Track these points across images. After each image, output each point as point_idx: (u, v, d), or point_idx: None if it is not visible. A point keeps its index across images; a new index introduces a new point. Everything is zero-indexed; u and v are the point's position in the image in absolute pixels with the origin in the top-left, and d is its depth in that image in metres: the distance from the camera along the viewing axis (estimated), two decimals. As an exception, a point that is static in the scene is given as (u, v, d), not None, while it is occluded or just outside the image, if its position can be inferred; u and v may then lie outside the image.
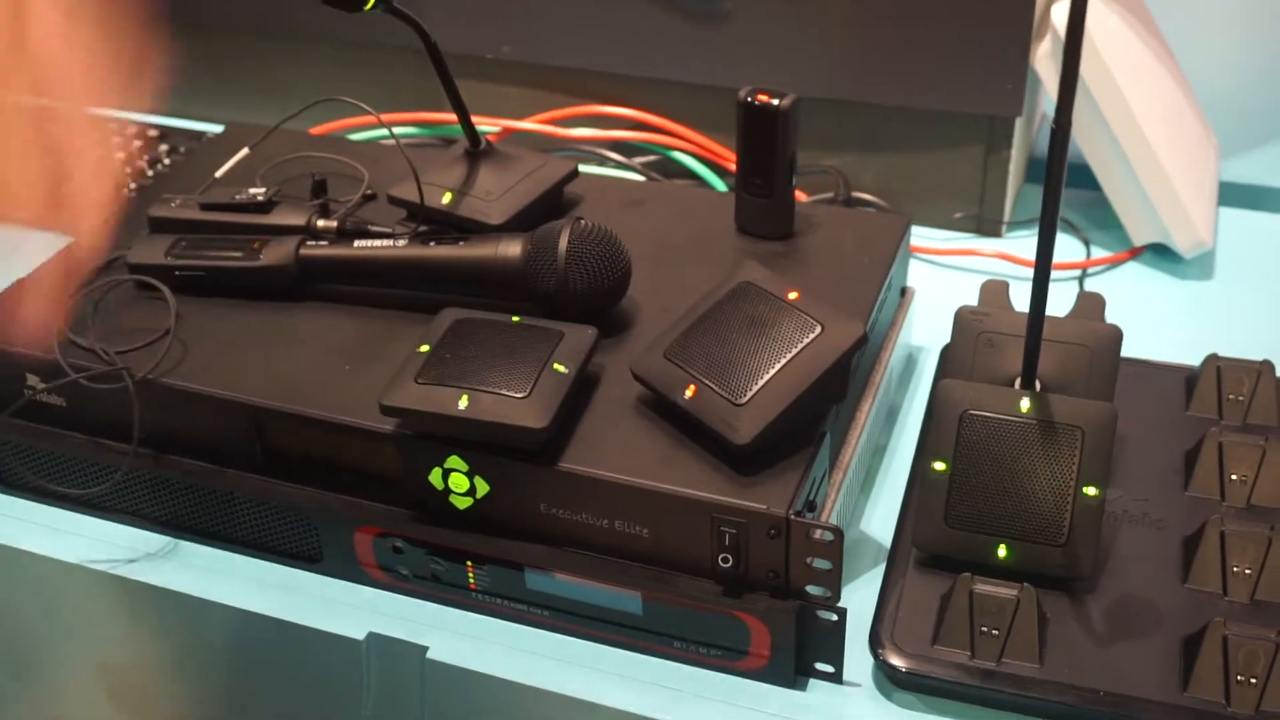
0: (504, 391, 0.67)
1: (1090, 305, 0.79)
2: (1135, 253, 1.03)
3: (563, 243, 0.74)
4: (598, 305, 0.76)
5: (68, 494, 0.79)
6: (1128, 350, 0.77)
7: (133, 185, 1.09)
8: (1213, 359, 0.82)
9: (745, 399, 0.67)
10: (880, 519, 0.79)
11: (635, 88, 1.08)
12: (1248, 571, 0.70)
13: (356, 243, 0.79)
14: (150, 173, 1.11)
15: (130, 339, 0.76)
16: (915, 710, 0.67)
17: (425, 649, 0.71)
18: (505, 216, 0.82)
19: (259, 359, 0.76)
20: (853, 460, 0.76)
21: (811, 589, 0.66)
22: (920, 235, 1.05)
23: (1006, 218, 1.06)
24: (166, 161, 1.12)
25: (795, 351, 0.69)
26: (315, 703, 0.76)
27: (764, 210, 0.84)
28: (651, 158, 1.09)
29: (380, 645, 0.72)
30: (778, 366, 0.68)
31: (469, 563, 0.71)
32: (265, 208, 0.83)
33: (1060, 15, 0.97)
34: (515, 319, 0.73)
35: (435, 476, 0.70)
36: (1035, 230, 0.66)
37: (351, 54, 1.16)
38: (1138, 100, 0.97)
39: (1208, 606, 0.69)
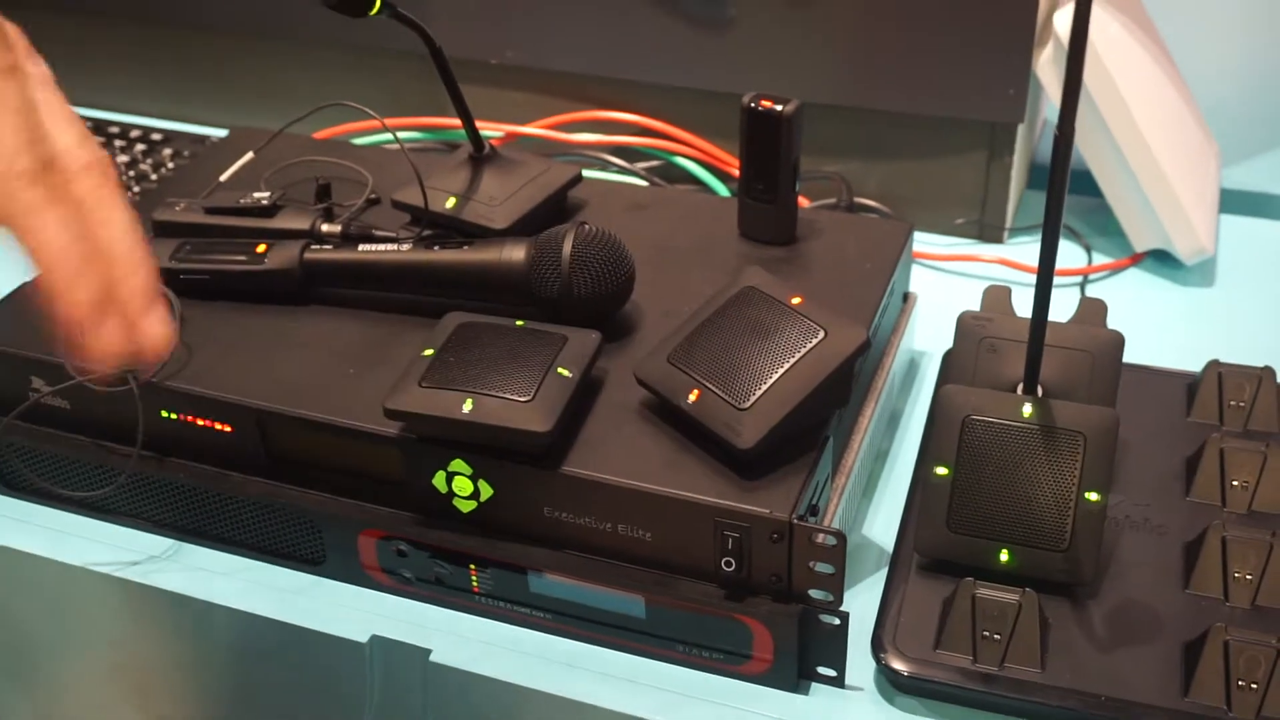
0: (508, 395, 0.68)
1: (1092, 311, 0.80)
2: (1137, 259, 1.04)
3: (567, 247, 0.75)
4: (601, 310, 0.76)
5: (71, 496, 0.79)
6: (1129, 356, 0.77)
7: (137, 189, 1.09)
8: (1214, 365, 0.82)
9: (748, 403, 0.68)
10: (882, 523, 0.80)
11: (639, 93, 1.09)
12: (1249, 577, 0.70)
13: (360, 247, 0.79)
14: (154, 176, 1.11)
15: (135, 342, 0.77)
16: (917, 714, 0.68)
17: (428, 652, 0.71)
18: (509, 221, 0.82)
19: (263, 362, 0.76)
20: (855, 465, 0.76)
21: (814, 593, 0.66)
22: (922, 241, 1.05)
23: (1008, 224, 1.06)
24: (170, 165, 1.12)
25: (798, 356, 0.69)
26: (318, 706, 0.76)
27: (767, 215, 0.85)
28: (655, 163, 1.09)
29: (383, 648, 0.72)
30: (781, 371, 0.68)
31: (472, 566, 0.71)
32: (269, 212, 0.83)
33: (1062, 22, 0.97)
34: (519, 323, 0.73)
35: (439, 480, 0.70)
36: (1037, 236, 0.67)
37: (355, 58, 1.16)
38: (1139, 106, 0.97)
39: (1209, 612, 0.69)
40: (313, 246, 0.80)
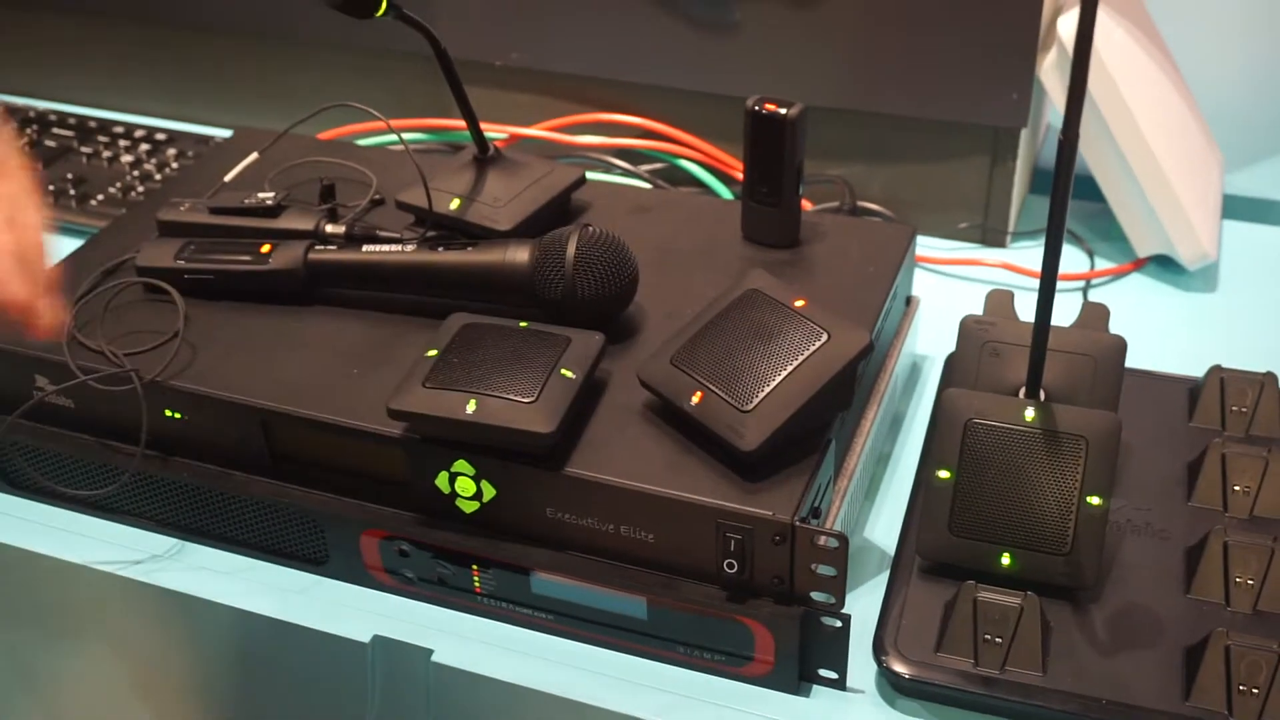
0: (511, 396, 0.68)
1: (1094, 315, 0.80)
2: (1139, 264, 1.04)
3: (571, 249, 0.75)
4: (605, 311, 0.76)
5: (75, 495, 0.79)
6: (1131, 361, 0.77)
7: (141, 189, 1.10)
8: (1216, 370, 0.83)
9: (751, 406, 0.68)
10: (884, 526, 0.80)
11: (643, 96, 1.09)
12: (1250, 582, 0.70)
13: (365, 248, 0.79)
14: (158, 176, 1.11)
15: (139, 341, 0.77)
16: (918, 717, 0.68)
17: (430, 652, 0.71)
18: (513, 222, 0.82)
19: (267, 362, 0.76)
20: (857, 467, 0.76)
21: (816, 595, 0.66)
22: (925, 245, 1.05)
23: (1011, 228, 1.06)
24: (175, 165, 1.12)
25: (801, 359, 0.69)
26: (320, 705, 0.77)
27: (771, 219, 0.85)
28: (658, 165, 1.09)
29: (385, 648, 0.72)
30: (784, 374, 0.69)
31: (475, 566, 0.71)
32: (274, 212, 0.84)
33: (1066, 27, 0.97)
34: (523, 324, 0.73)
35: (442, 480, 0.71)
36: (1039, 241, 0.67)
37: (360, 60, 1.16)
38: (1142, 112, 0.98)
39: (1210, 617, 0.69)
40: (317, 247, 0.80)
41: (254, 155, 0.91)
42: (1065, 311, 0.81)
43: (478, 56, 1.10)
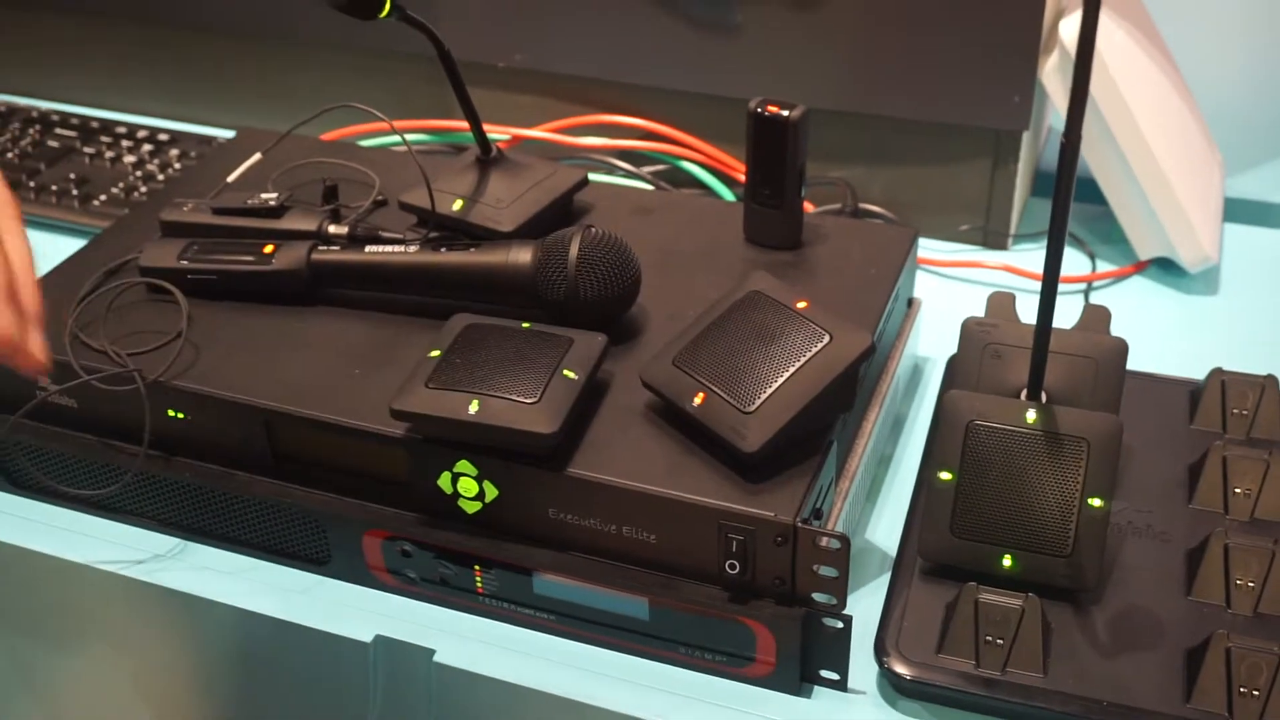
0: (514, 397, 0.68)
1: (1096, 318, 0.80)
2: (1140, 267, 1.04)
3: (573, 250, 0.75)
4: (607, 312, 0.76)
5: (78, 495, 0.79)
6: (1133, 363, 0.77)
7: (144, 189, 1.10)
8: (1217, 373, 0.83)
9: (754, 407, 0.68)
10: (886, 528, 0.80)
11: (645, 97, 1.09)
12: (1251, 585, 0.70)
13: (367, 248, 0.80)
14: (161, 177, 1.11)
15: (142, 341, 0.77)
16: (919, 718, 0.68)
17: (432, 652, 0.71)
18: (516, 224, 0.82)
19: (270, 363, 0.76)
20: (859, 469, 0.76)
21: (817, 596, 0.67)
22: (927, 247, 1.05)
23: (1012, 231, 1.06)
24: (177, 166, 1.12)
25: (804, 360, 0.69)
26: (322, 705, 0.77)
27: (773, 220, 0.85)
28: (660, 167, 1.09)
29: (387, 648, 0.72)
30: (786, 375, 0.69)
31: (477, 567, 0.72)
32: (277, 212, 0.84)
33: (1068, 30, 0.97)
34: (525, 325, 0.73)
35: (444, 480, 0.71)
36: (1041, 243, 0.67)
37: (363, 61, 1.16)
38: (1144, 115, 0.98)
39: (1211, 619, 0.69)
40: (320, 247, 0.80)
41: (257, 156, 0.91)
42: (1067, 314, 0.81)
43: (480, 58, 1.10)
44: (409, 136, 1.12)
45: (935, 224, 1.06)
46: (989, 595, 0.68)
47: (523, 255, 0.76)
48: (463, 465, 0.70)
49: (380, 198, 0.89)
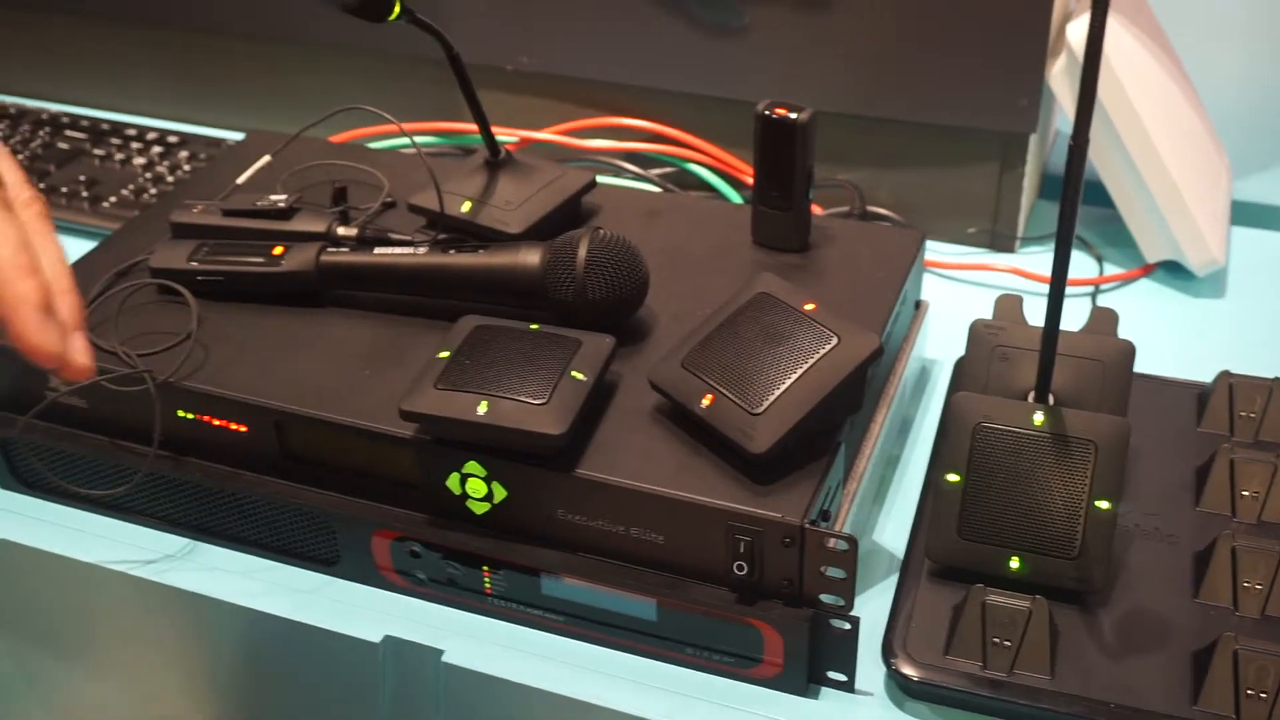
0: (522, 398, 0.68)
1: (1103, 320, 0.80)
2: (1148, 270, 1.04)
3: (582, 252, 0.75)
4: (616, 314, 0.76)
5: (88, 495, 0.80)
6: (1140, 366, 0.77)
7: (154, 191, 1.10)
8: (1225, 376, 0.83)
9: (762, 408, 0.68)
10: (893, 529, 0.80)
11: (653, 100, 1.09)
12: (1258, 587, 0.70)
13: (376, 250, 0.80)
14: (171, 179, 1.11)
15: (152, 342, 0.77)
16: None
17: (441, 653, 0.71)
18: (524, 226, 0.83)
19: (279, 363, 0.76)
20: (867, 470, 0.77)
21: (825, 597, 0.67)
22: (934, 250, 1.05)
23: (1020, 233, 1.06)
24: (187, 168, 1.13)
25: (812, 362, 0.69)
26: (331, 705, 0.77)
27: (780, 223, 0.85)
28: (668, 170, 1.10)
29: (396, 649, 0.72)
30: (794, 377, 0.69)
31: (485, 567, 0.72)
32: (286, 214, 0.84)
33: (1075, 33, 0.97)
34: (533, 327, 0.73)
35: (453, 481, 0.71)
36: (1048, 246, 0.67)
37: (371, 63, 1.17)
38: (1151, 118, 0.98)
39: (1218, 621, 0.69)
40: (329, 249, 0.81)
41: (266, 158, 0.91)
42: (1074, 316, 0.81)
43: (489, 60, 1.10)
44: (418, 139, 1.13)
45: (943, 227, 1.06)
46: (996, 597, 0.68)
47: (531, 257, 0.77)
48: (471, 466, 0.70)
49: (389, 199, 0.89)
